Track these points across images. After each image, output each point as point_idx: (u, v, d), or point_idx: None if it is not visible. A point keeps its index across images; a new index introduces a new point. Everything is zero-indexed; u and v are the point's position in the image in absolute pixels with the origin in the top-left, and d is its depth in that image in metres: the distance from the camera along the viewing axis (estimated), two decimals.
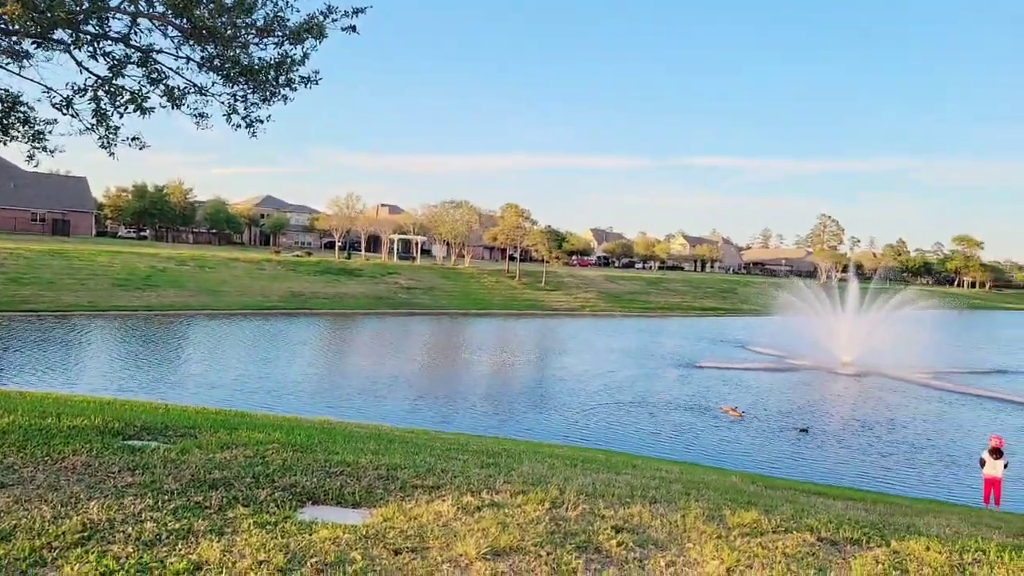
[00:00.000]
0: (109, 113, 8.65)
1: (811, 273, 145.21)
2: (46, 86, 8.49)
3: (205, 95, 8.85)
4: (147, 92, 8.62)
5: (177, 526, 5.01)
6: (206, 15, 7.94)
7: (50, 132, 8.94)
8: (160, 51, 8.47)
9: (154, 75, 8.60)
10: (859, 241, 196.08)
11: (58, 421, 8.77)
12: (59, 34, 7.98)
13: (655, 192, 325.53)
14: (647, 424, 25.03)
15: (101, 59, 8.33)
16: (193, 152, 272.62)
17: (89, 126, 8.71)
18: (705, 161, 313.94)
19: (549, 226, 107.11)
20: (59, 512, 5.14)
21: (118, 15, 8.14)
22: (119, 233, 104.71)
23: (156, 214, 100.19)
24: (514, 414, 25.64)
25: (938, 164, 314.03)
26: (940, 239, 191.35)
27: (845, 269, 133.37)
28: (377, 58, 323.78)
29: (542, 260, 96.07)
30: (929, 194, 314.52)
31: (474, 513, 5.89)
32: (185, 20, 7.98)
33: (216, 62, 8.49)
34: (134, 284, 55.70)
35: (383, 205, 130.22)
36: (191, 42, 8.28)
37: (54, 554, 4.43)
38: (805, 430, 24.98)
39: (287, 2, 8.35)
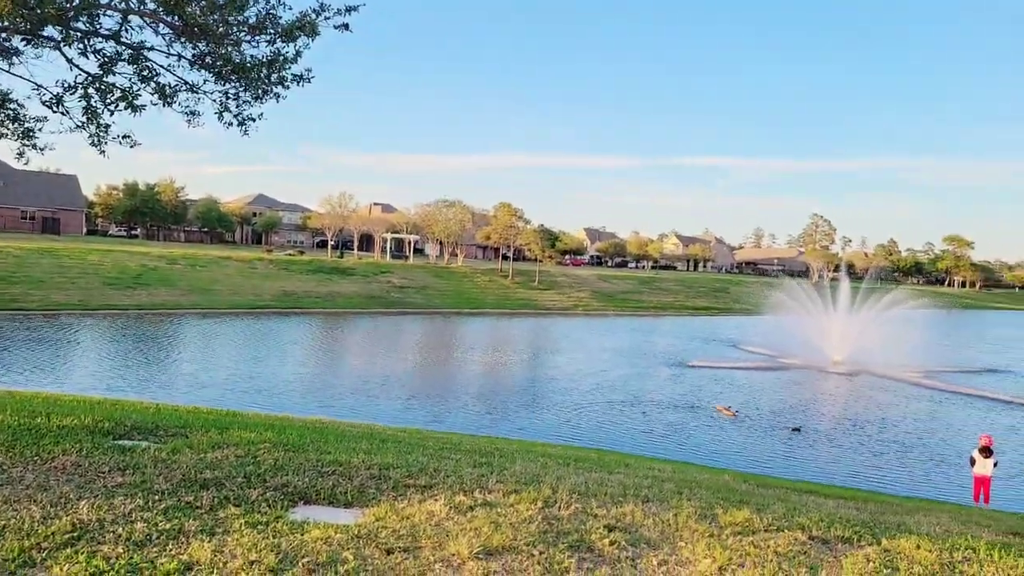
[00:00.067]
0: (100, 111, 8.60)
1: (803, 273, 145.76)
2: (36, 83, 8.44)
3: (196, 93, 8.81)
4: (138, 90, 8.58)
5: (168, 526, 4.98)
6: (197, 12, 7.89)
7: (40, 130, 8.88)
8: (151, 48, 8.43)
9: (145, 72, 8.55)
10: (851, 241, 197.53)
11: (47, 421, 8.71)
12: (49, 31, 7.93)
13: (650, 192, 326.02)
14: (640, 423, 25.08)
15: (92, 56, 8.28)
16: (184, 150, 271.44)
17: (80, 124, 8.66)
18: (704, 161, 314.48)
19: (542, 225, 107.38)
20: (48, 512, 5.10)
21: (109, 12, 8.09)
22: (110, 231, 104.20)
23: (147, 212, 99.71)
24: (507, 413, 25.64)
25: (936, 164, 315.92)
26: (934, 239, 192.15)
27: (837, 269, 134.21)
28: (376, 57, 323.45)
29: (535, 259, 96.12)
30: (925, 194, 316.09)
31: (467, 512, 5.89)
32: (176, 17, 7.94)
33: (208, 60, 8.44)
34: (125, 283, 55.40)
35: (376, 204, 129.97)
36: (182, 39, 8.23)
37: (43, 554, 4.40)
38: (797, 429, 25.08)
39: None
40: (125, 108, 8.53)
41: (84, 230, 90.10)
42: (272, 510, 5.59)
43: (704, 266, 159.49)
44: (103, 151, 9.01)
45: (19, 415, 9.03)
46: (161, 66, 8.55)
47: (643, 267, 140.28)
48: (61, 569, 4.19)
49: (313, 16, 8.35)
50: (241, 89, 8.78)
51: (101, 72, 8.38)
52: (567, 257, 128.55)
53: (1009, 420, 29.15)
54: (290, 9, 8.38)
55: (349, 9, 8.45)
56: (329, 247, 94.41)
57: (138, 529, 4.87)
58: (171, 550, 4.59)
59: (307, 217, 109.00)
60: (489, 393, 29.72)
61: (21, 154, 9.01)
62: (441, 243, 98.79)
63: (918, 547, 5.88)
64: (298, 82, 8.86)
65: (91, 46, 8.23)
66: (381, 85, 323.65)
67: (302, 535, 5.03)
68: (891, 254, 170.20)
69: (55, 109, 8.53)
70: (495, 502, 6.32)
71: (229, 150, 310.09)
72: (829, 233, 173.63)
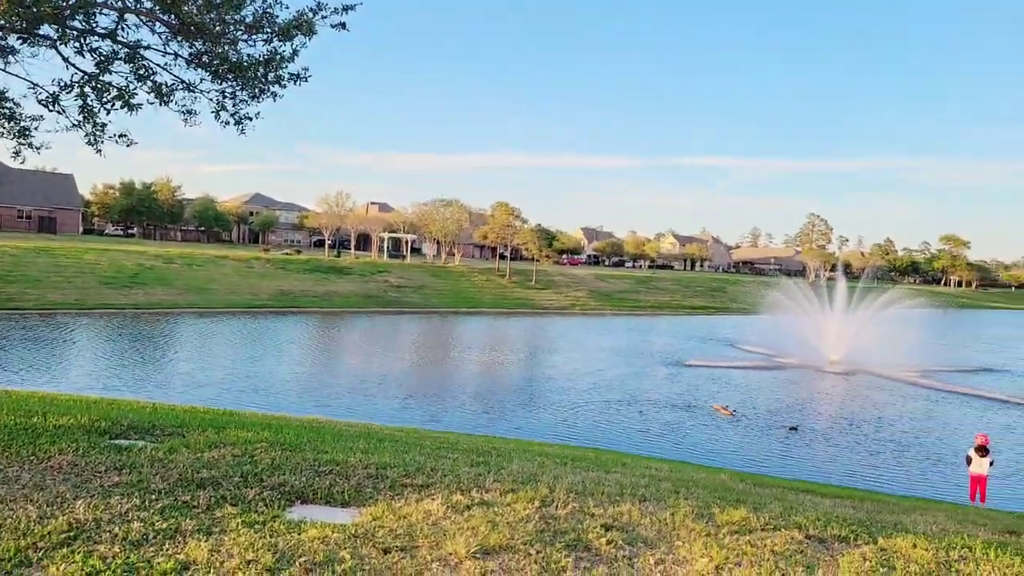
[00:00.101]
0: (96, 109, 8.58)
1: (800, 272, 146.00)
2: (32, 82, 8.42)
3: (193, 92, 8.80)
4: (134, 88, 8.57)
5: (164, 526, 4.97)
6: (194, 11, 7.88)
7: (36, 128, 8.86)
8: (148, 47, 8.41)
9: (141, 71, 8.54)
10: (847, 240, 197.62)
11: (44, 420, 8.69)
12: (45, 29, 7.91)
13: (649, 192, 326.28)
14: (637, 422, 25.10)
15: (88, 55, 8.27)
16: (181, 149, 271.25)
17: (76, 123, 8.64)
18: (704, 161, 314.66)
19: (539, 225, 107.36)
20: (45, 512, 5.09)
21: (105, 11, 8.08)
22: (106, 231, 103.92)
23: (144, 211, 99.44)
24: (504, 412, 25.64)
25: (936, 164, 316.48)
26: (932, 239, 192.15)
27: (833, 268, 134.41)
28: (374, 56, 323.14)
29: (532, 259, 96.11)
30: (924, 194, 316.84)
31: (464, 512, 5.89)
32: (173, 16, 7.92)
33: (204, 58, 8.43)
34: (121, 282, 55.27)
35: (373, 203, 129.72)
36: (179, 38, 8.22)
37: (40, 554, 4.39)
38: (794, 428, 25.12)
39: None
40: (121, 107, 8.51)
41: (80, 229, 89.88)
42: (269, 509, 5.59)
43: (701, 265, 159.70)
44: (99, 150, 8.99)
45: (15, 414, 9.00)
46: (158, 65, 8.55)
47: (640, 266, 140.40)
48: (57, 569, 4.18)
49: (310, 15, 8.35)
50: (238, 88, 8.77)
51: (97, 71, 8.37)
52: (564, 256, 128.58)
53: (1005, 419, 29.23)
54: (287, 8, 8.39)
55: (346, 8, 8.45)
56: (326, 246, 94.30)
57: (135, 529, 4.86)
58: (168, 549, 4.59)
59: (304, 216, 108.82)
60: (486, 392, 29.72)
61: (17, 153, 8.99)
62: (438, 242, 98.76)
63: (914, 546, 5.89)
64: (295, 81, 8.86)
65: (87, 45, 8.22)
66: (378, 84, 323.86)
67: (299, 534, 5.02)
68: (887, 253, 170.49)
69: (51, 108, 8.51)
70: (492, 501, 6.32)
71: (226, 149, 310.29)
72: (826, 233, 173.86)
